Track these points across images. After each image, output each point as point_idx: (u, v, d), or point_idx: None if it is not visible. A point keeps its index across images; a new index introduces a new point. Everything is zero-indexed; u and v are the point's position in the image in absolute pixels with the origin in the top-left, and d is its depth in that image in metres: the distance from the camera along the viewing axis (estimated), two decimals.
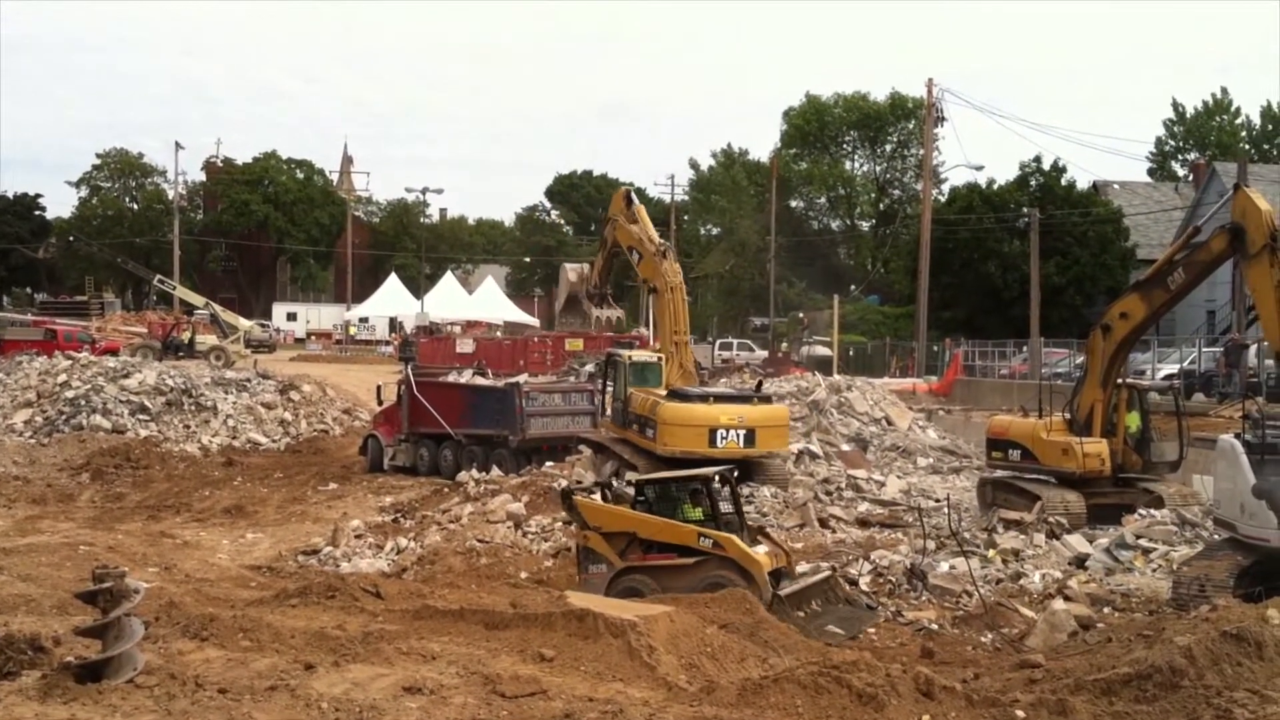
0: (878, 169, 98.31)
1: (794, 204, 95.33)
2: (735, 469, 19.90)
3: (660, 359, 28.16)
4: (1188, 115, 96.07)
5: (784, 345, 68.44)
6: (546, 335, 74.64)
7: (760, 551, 17.32)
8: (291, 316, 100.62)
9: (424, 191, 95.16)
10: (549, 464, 28.67)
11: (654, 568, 17.36)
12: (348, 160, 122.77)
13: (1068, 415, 24.63)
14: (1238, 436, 18.21)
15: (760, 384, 31.85)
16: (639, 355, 29.32)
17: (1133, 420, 24.77)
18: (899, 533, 23.82)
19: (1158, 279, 23.20)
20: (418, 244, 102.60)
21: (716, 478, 18.41)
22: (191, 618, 13.43)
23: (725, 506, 18.27)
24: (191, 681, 10.61)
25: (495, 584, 19.65)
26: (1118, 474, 24.37)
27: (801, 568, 20.23)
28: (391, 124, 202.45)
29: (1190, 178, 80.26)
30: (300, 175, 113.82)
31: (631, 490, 18.79)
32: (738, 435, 25.72)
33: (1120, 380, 24.70)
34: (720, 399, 26.80)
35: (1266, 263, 20.00)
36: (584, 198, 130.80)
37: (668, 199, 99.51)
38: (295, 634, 12.70)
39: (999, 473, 25.99)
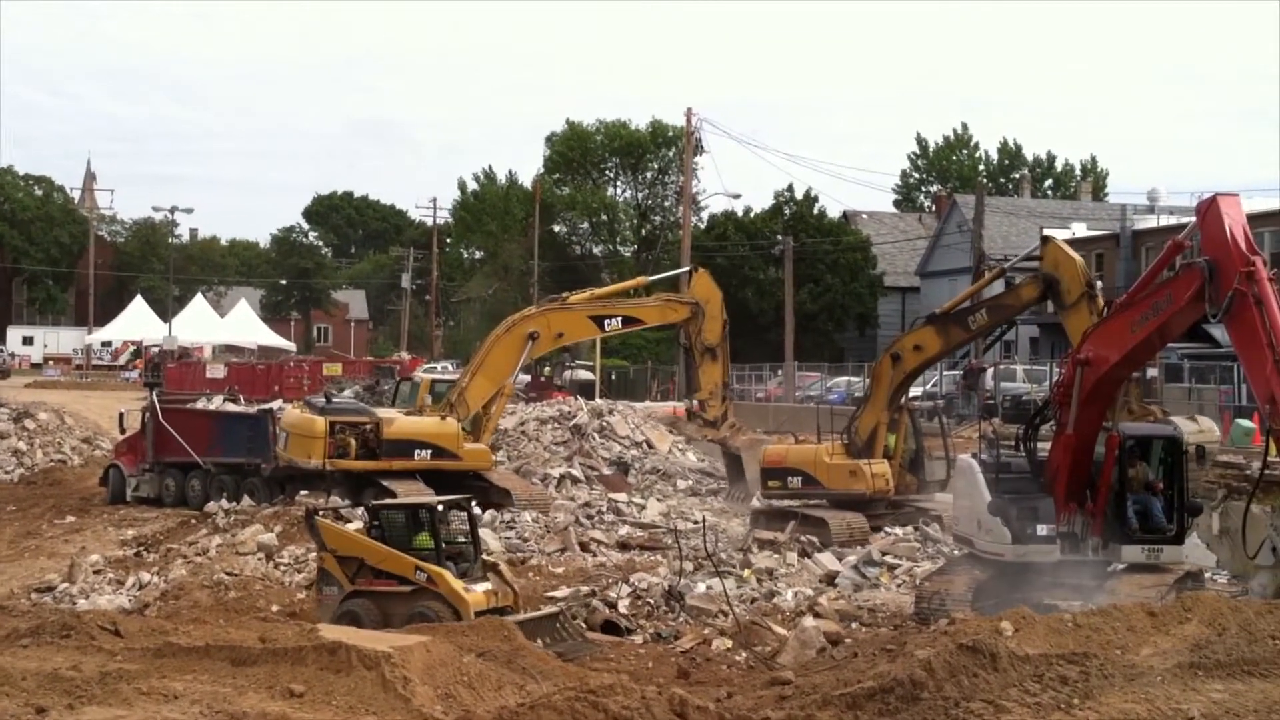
0: (639, 195, 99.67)
1: (557, 228, 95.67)
2: (473, 497, 19.90)
3: (416, 381, 32.70)
4: (931, 149, 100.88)
5: (546, 369, 68.54)
6: (303, 360, 73.01)
7: (478, 589, 17.45)
8: (28, 340, 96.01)
9: (172, 210, 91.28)
10: (304, 493, 27.95)
11: (376, 593, 17.55)
12: (91, 177, 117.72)
13: (845, 439, 25.14)
14: (975, 456, 19.13)
15: (329, 395, 32.64)
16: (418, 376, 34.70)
17: (904, 441, 25.55)
18: (658, 555, 24.08)
19: (957, 317, 23.70)
20: (165, 265, 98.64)
21: (440, 506, 18.44)
22: None
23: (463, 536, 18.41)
24: None
25: (244, 618, 18.99)
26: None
27: (563, 592, 20.32)
28: (140, 141, 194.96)
29: (933, 208, 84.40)
30: (39, 192, 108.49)
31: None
32: (283, 438, 28.22)
33: (900, 405, 25.40)
34: (309, 407, 29.18)
35: (1086, 310, 20.91)
36: (344, 219, 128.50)
37: (430, 221, 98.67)
38: (27, 676, 12.16)
39: (781, 502, 25.64)
